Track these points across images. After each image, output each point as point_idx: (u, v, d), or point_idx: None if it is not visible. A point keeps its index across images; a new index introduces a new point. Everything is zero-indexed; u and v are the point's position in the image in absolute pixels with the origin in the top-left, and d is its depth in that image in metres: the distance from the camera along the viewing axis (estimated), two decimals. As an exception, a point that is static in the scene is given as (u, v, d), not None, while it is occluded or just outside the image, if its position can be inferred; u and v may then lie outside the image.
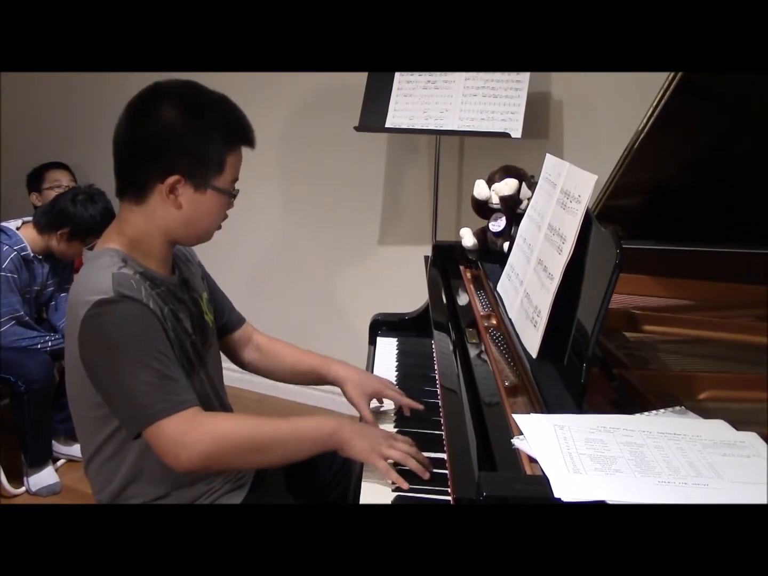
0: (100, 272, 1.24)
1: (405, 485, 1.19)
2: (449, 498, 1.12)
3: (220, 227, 1.38)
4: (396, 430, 1.41)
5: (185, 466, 1.20)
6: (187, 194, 1.28)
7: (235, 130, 1.31)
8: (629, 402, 1.09)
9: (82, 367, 1.25)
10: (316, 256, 3.22)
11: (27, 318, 2.60)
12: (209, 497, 1.37)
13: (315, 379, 1.59)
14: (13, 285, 2.54)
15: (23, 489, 2.60)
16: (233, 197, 1.33)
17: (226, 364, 1.59)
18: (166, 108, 1.26)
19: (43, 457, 2.62)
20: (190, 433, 1.19)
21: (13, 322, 2.54)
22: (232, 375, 1.61)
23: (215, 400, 1.42)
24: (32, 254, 2.61)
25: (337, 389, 1.53)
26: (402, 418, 1.46)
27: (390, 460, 1.22)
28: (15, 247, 2.55)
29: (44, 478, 2.61)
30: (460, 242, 1.93)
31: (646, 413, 1.02)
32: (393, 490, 1.19)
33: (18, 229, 2.61)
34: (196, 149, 1.26)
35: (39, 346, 2.57)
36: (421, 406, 1.47)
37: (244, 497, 1.42)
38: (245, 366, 1.64)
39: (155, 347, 1.22)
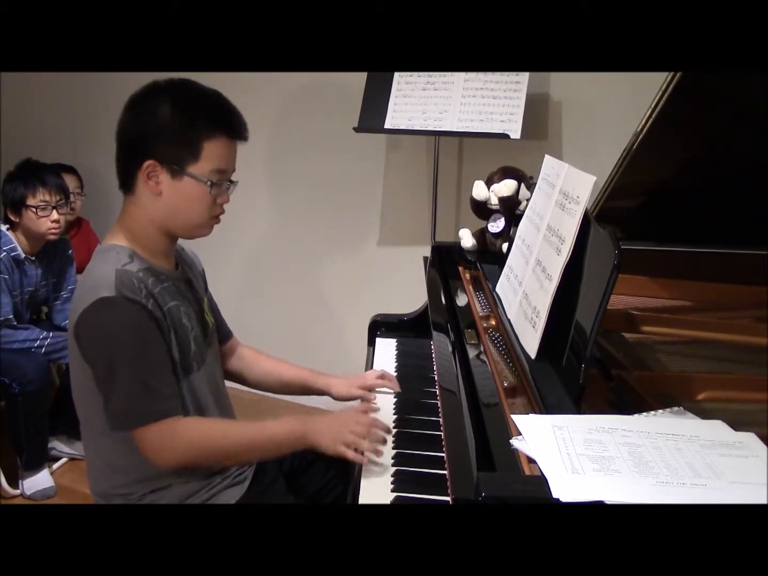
0: (106, 267, 1.27)
1: (364, 462, 1.27)
2: (448, 498, 1.12)
3: (219, 221, 1.37)
4: (395, 430, 1.41)
5: (164, 467, 1.32)
6: (165, 181, 1.30)
7: (213, 117, 1.30)
8: (628, 403, 1.09)
9: (83, 358, 1.28)
10: (316, 257, 3.21)
11: (14, 320, 2.54)
12: (208, 491, 1.40)
13: (301, 388, 1.65)
14: (4, 286, 2.49)
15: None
16: (212, 186, 1.30)
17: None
18: (152, 101, 1.30)
19: (38, 461, 2.58)
20: (167, 441, 1.27)
21: None
22: (231, 375, 1.62)
23: (213, 398, 1.44)
24: (23, 255, 2.56)
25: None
26: (401, 419, 1.46)
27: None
28: (5, 248, 2.51)
29: (39, 481, 2.57)
30: (459, 243, 1.94)
31: (644, 414, 1.02)
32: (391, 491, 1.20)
33: (8, 230, 2.56)
34: (170, 135, 1.28)
35: (33, 348, 2.54)
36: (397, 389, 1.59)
37: (243, 493, 1.44)
38: (228, 375, 1.65)
39: (147, 355, 1.26)
